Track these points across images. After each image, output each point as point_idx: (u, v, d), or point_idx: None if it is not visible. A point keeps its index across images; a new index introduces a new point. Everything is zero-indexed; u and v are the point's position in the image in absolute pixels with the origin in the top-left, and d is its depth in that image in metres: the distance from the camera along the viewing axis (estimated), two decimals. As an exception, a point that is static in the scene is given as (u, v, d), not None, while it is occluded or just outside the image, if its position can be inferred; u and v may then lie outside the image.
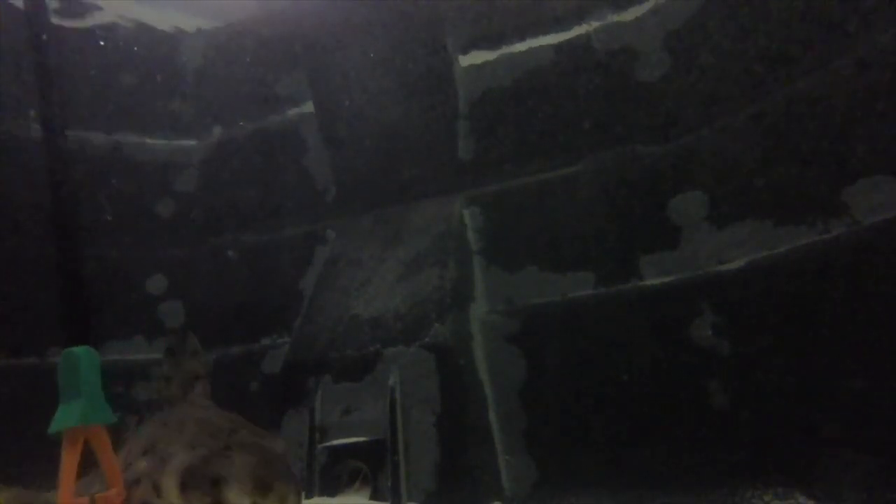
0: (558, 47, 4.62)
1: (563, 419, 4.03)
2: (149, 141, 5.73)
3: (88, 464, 2.15)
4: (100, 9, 5.65)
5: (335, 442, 3.94)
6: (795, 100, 3.61)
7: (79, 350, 1.98)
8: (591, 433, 3.94)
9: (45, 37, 5.20)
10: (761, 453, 3.43)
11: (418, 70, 4.99)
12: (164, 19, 5.96)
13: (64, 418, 1.92)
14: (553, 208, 4.46)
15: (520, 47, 4.80)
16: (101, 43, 5.57)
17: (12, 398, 4.73)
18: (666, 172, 4.15)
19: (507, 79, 4.79)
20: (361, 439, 3.87)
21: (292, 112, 5.67)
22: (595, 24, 4.52)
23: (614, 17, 4.47)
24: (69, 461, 1.88)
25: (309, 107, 5.50)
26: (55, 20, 5.39)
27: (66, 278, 2.33)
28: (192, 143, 5.88)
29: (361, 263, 4.84)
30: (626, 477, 3.77)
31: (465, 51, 4.99)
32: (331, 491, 3.86)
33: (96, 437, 1.94)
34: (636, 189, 4.23)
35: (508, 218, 4.60)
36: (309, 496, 3.82)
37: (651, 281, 4.02)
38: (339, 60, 5.20)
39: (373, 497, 3.72)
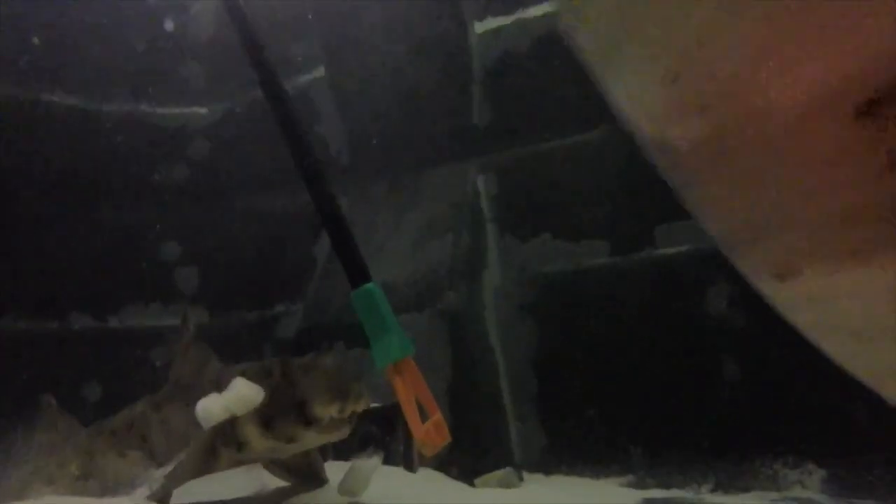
0: (576, 10, 4.50)
1: (575, 387, 4.03)
2: (160, 108, 5.71)
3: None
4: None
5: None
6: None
7: (369, 287, 2.08)
8: (602, 401, 3.94)
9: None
10: (773, 424, 3.42)
11: (433, 35, 4.89)
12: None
13: (385, 354, 2.02)
14: (568, 176, 4.40)
15: (535, 11, 4.68)
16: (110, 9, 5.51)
17: (32, 363, 4.83)
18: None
19: (522, 44, 4.68)
20: (374, 405, 3.90)
21: (305, 77, 5.60)
22: (614, -15, 4.39)
23: (634, -23, 4.33)
24: (405, 392, 1.98)
25: (321, 72, 5.43)
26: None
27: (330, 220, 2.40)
28: (203, 110, 5.84)
29: (375, 229, 4.83)
30: (636, 445, 3.78)
31: (480, 16, 4.88)
32: (344, 455, 3.92)
33: (408, 367, 2.03)
34: (653, 156, 4.14)
35: (522, 185, 4.55)
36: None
37: (666, 250, 3.97)
38: (351, 25, 5.10)
39: (385, 462, 3.78)
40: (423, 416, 2.04)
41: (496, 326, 4.26)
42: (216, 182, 5.70)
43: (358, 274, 2.22)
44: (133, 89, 5.62)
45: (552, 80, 4.58)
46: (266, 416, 1.95)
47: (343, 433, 2.08)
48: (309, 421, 1.93)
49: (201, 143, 5.80)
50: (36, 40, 5.19)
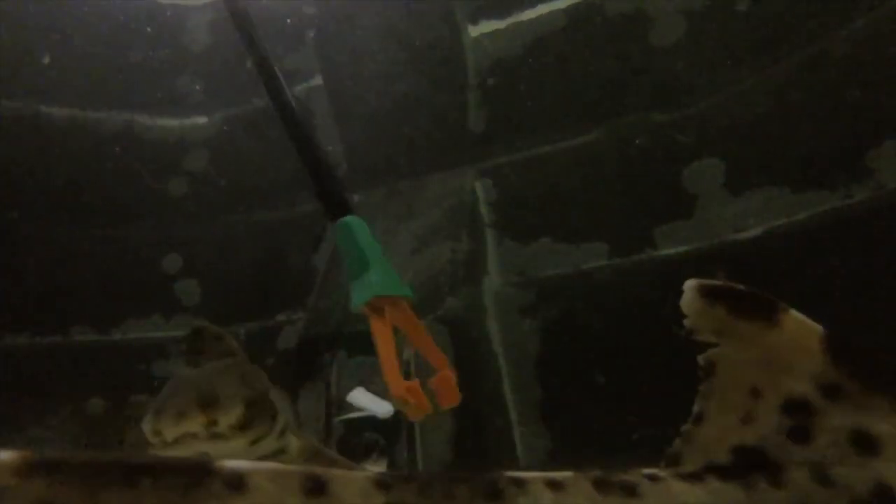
0: (569, 13, 4.51)
1: (578, 390, 4.03)
2: (158, 119, 5.73)
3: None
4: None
5: (351, 415, 3.99)
6: (815, 62, 3.49)
7: (348, 219, 1.82)
8: (605, 404, 3.94)
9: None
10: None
11: (427, 41, 4.90)
12: (169, -5, 5.89)
13: (361, 292, 1.71)
14: (566, 178, 4.40)
15: (530, 14, 4.70)
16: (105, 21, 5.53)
17: (35, 377, 4.84)
18: (681, 140, 4.06)
19: (517, 47, 4.69)
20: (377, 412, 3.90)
21: (301, 87, 5.62)
22: (607, -12, 4.40)
23: (627, -20, 4.34)
24: (382, 338, 1.66)
25: (318, 81, 5.44)
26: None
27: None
28: (201, 120, 5.86)
29: (374, 237, 4.83)
30: (640, 447, 3.77)
31: (474, 20, 4.89)
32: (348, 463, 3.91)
33: (401, 315, 1.75)
34: (650, 157, 4.15)
35: (521, 189, 4.55)
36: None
37: (666, 251, 3.97)
38: (347, 33, 5.12)
39: (389, 468, 3.77)
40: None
41: (497, 331, 4.26)
42: (216, 193, 5.71)
43: (337, 206, 2.07)
44: (131, 101, 5.64)
45: (548, 83, 4.59)
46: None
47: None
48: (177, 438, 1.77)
49: (201, 154, 5.81)
50: (34, 53, 5.21)
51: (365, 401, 1.89)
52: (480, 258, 4.43)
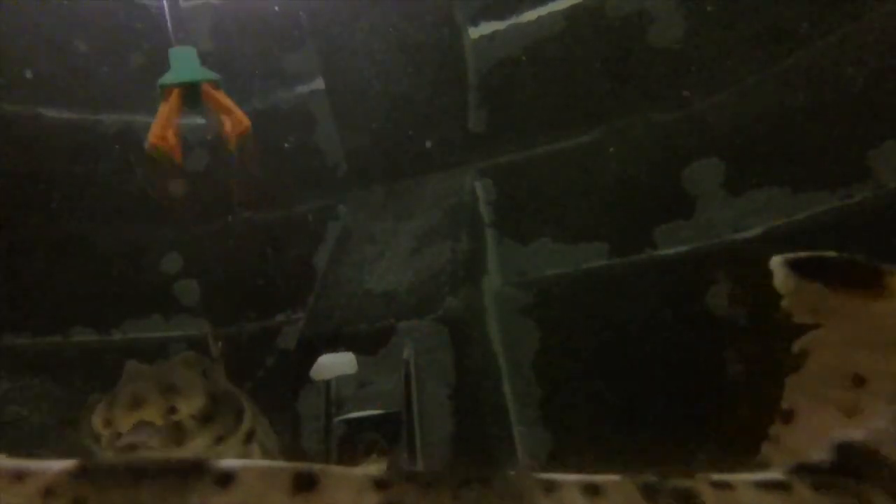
0: (569, 14, 4.52)
1: (578, 390, 4.03)
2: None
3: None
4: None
5: (351, 415, 3.98)
6: (816, 61, 3.49)
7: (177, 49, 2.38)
8: (606, 404, 3.94)
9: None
10: (775, 420, 3.40)
11: (427, 42, 4.91)
12: (170, -5, 5.89)
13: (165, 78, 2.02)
14: (566, 179, 4.41)
15: (530, 15, 4.70)
16: (107, 23, 5.54)
17: (35, 377, 4.83)
18: (681, 140, 4.07)
19: (517, 48, 4.70)
20: (377, 412, 3.90)
21: (301, 88, 5.63)
22: (607, -12, 4.41)
23: (627, -20, 4.35)
24: (164, 108, 2.10)
25: (318, 82, 5.45)
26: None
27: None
28: (200, 121, 5.86)
29: (374, 238, 4.83)
30: (641, 447, 3.77)
31: (474, 21, 4.90)
32: (348, 463, 3.91)
33: (207, 94, 2.27)
34: (650, 157, 4.15)
35: (521, 189, 4.56)
36: (327, 468, 3.88)
37: (665, 251, 3.97)
38: (346, 34, 5.12)
39: (389, 468, 3.77)
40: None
41: (498, 331, 4.26)
42: (216, 193, 5.71)
43: None
44: (130, 102, 5.64)
45: (548, 83, 4.60)
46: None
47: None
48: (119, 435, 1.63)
49: (200, 155, 5.81)
50: (33, 56, 5.21)
51: (327, 367, 1.88)
52: (480, 258, 4.44)
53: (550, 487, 0.76)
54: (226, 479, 0.65)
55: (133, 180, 5.54)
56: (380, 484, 0.72)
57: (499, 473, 0.79)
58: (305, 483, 0.67)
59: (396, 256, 4.55)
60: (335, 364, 2.34)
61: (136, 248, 5.45)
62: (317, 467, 0.71)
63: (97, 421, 1.58)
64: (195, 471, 0.65)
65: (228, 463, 0.68)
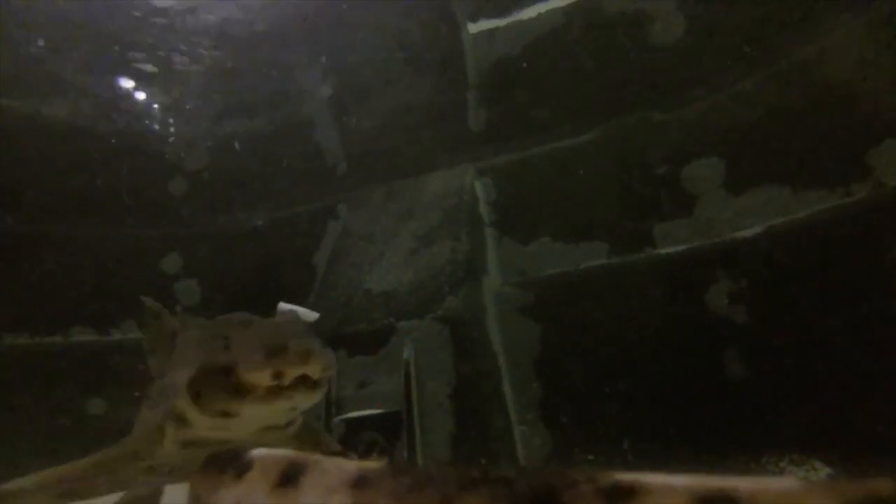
0: (568, 12, 4.51)
1: (578, 389, 4.02)
2: (158, 119, 5.73)
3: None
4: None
5: (351, 414, 3.98)
6: (816, 60, 3.49)
7: None
8: (605, 403, 3.93)
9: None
10: (777, 420, 3.40)
11: (426, 41, 4.91)
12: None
13: None
14: (565, 178, 4.40)
15: (529, 13, 4.70)
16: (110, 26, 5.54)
17: (35, 377, 4.84)
18: (680, 139, 4.06)
19: (516, 46, 4.69)
20: (377, 411, 3.90)
21: (302, 88, 5.63)
22: (607, -13, 4.41)
23: (626, -21, 4.34)
24: None
25: (318, 83, 5.45)
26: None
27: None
28: (201, 119, 5.87)
29: (374, 238, 4.83)
30: (641, 446, 3.76)
31: (473, 19, 4.90)
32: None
33: None
34: (650, 156, 4.14)
35: (520, 189, 4.55)
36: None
37: (665, 249, 3.97)
38: (346, 34, 5.12)
39: (389, 468, 3.76)
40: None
41: (497, 330, 4.25)
42: (216, 194, 5.72)
43: None
44: (131, 103, 5.65)
45: (548, 83, 4.59)
46: (195, 389, 1.58)
47: (306, 401, 1.62)
48: (240, 390, 1.52)
49: (200, 156, 5.82)
50: (35, 55, 5.22)
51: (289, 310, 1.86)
52: (480, 258, 4.43)
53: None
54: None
55: (134, 180, 5.54)
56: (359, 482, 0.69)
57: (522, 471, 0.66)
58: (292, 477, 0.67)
59: (396, 256, 4.55)
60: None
61: (136, 248, 5.46)
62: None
63: (258, 372, 1.49)
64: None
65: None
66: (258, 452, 0.69)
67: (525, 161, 4.58)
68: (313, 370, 1.54)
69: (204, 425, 1.66)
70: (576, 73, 4.49)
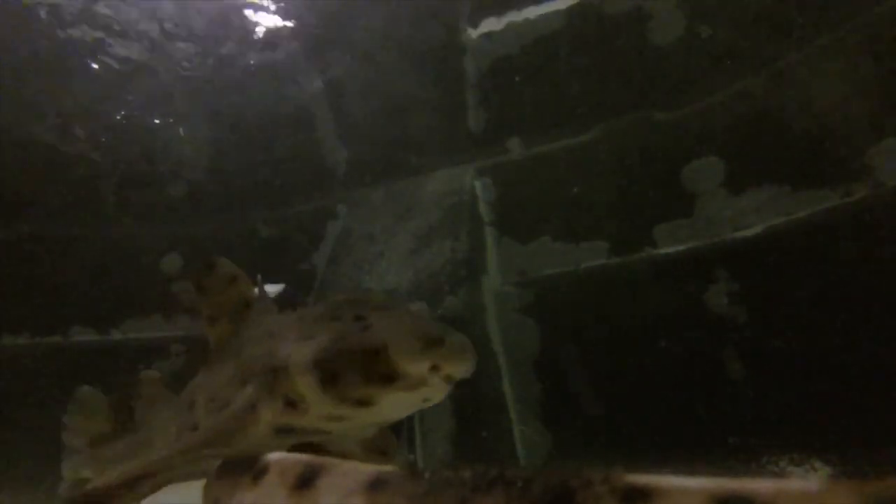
0: (568, 13, 4.52)
1: (577, 389, 4.02)
2: (158, 120, 5.72)
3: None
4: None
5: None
6: (816, 60, 3.49)
7: None
8: (605, 402, 3.93)
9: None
10: (777, 420, 3.41)
11: (427, 41, 4.91)
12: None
13: None
14: (565, 178, 4.40)
15: (529, 14, 4.70)
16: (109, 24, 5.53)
17: (35, 376, 4.83)
18: (680, 138, 4.06)
19: (516, 47, 4.69)
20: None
21: (301, 88, 5.62)
22: (607, -13, 4.41)
23: (626, -21, 4.34)
24: None
25: (318, 83, 5.45)
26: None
27: None
28: (201, 120, 5.86)
29: (373, 237, 4.83)
30: (641, 445, 3.77)
31: (473, 20, 4.89)
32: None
33: None
34: (650, 156, 4.15)
35: (520, 188, 4.55)
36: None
37: (665, 249, 3.97)
38: (346, 34, 5.12)
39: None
40: None
41: (498, 330, 4.25)
42: (216, 194, 5.71)
43: None
44: (132, 102, 5.64)
45: (547, 83, 4.59)
46: (330, 369, 1.38)
47: (436, 396, 1.48)
48: (388, 376, 1.35)
49: (200, 156, 5.81)
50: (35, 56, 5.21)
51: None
52: (480, 257, 4.43)
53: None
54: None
55: (133, 180, 5.53)
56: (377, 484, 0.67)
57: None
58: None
59: (396, 256, 4.55)
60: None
61: (136, 248, 5.45)
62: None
63: (416, 361, 1.34)
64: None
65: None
66: (274, 456, 0.69)
67: (525, 161, 4.58)
68: (463, 368, 1.43)
69: (321, 412, 1.47)
70: (576, 73, 4.49)
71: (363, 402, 1.41)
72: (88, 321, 5.19)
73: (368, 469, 0.66)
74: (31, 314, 5.03)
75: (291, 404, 1.47)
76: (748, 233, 3.66)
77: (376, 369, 1.36)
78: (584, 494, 0.52)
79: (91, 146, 5.40)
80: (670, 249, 3.95)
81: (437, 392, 1.48)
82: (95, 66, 5.48)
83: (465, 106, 4.85)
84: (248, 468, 0.65)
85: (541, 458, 4.00)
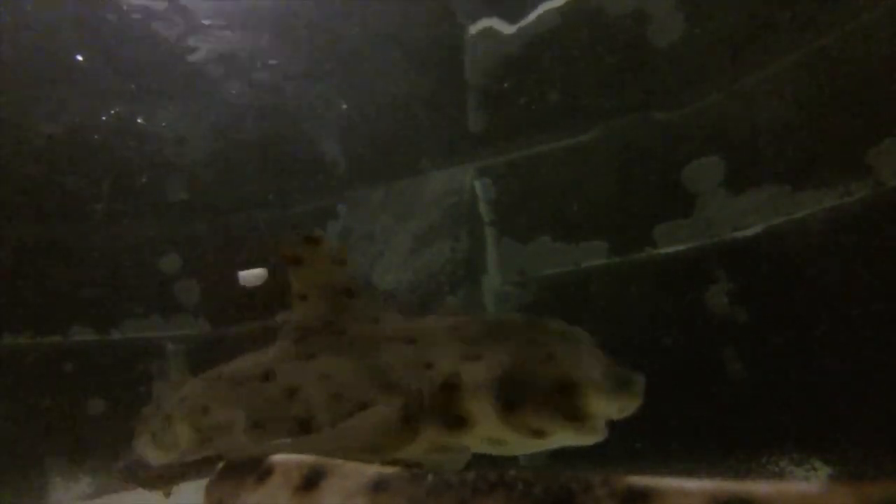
0: (568, 13, 4.51)
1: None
2: (157, 119, 5.72)
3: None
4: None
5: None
6: (816, 59, 3.49)
7: None
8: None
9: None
10: (777, 420, 3.41)
11: (427, 41, 4.91)
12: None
13: None
14: (565, 177, 4.40)
15: (529, 14, 4.70)
16: (107, 21, 5.53)
17: (35, 376, 4.83)
18: (680, 138, 4.06)
19: (516, 46, 4.69)
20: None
21: (301, 87, 5.62)
22: (606, -13, 4.41)
23: (626, -21, 4.34)
24: None
25: (317, 80, 5.44)
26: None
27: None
28: (201, 120, 5.85)
29: (373, 237, 4.83)
30: (641, 446, 3.77)
31: (473, 19, 4.89)
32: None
33: None
34: (650, 156, 4.15)
35: (520, 188, 4.55)
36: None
37: (665, 249, 3.97)
38: (346, 33, 5.12)
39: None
40: None
41: (497, 330, 4.25)
42: (216, 194, 5.71)
43: None
44: (131, 104, 5.63)
45: (547, 83, 4.59)
46: (514, 396, 1.31)
47: (591, 440, 1.46)
48: (575, 413, 1.30)
49: (200, 156, 5.81)
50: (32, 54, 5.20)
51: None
52: (480, 257, 4.43)
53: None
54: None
55: (133, 179, 5.53)
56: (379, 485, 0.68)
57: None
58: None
59: (396, 255, 4.55)
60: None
61: (136, 248, 5.45)
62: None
63: (608, 400, 1.33)
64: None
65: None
66: (278, 457, 0.70)
67: (524, 160, 4.58)
68: (633, 410, 1.40)
69: (484, 434, 1.38)
70: (576, 73, 4.49)
71: (537, 434, 1.35)
72: (88, 321, 5.19)
73: (371, 471, 0.67)
74: (31, 314, 5.03)
75: (456, 424, 1.38)
76: (748, 233, 3.66)
77: (566, 405, 1.31)
78: (584, 497, 0.52)
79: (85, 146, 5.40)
80: (670, 249, 3.95)
81: (597, 435, 1.44)
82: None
83: (465, 106, 4.85)
84: (252, 469, 0.66)
85: (541, 460, 4.01)
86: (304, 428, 1.52)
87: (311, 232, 1.76)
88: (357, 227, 5.04)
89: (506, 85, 4.72)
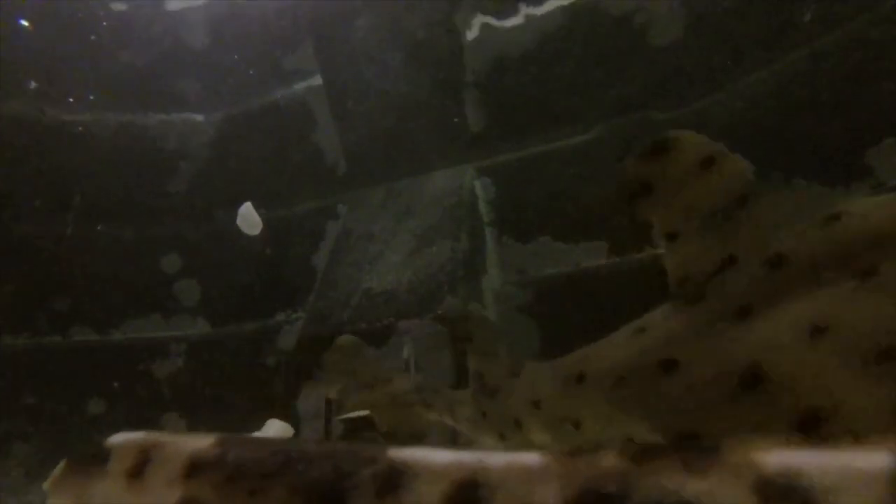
0: (568, 12, 4.51)
1: (578, 389, 4.02)
2: (157, 119, 5.73)
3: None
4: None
5: (351, 415, 3.98)
6: (815, 59, 3.49)
7: None
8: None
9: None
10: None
11: (426, 40, 4.90)
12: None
13: None
14: (565, 177, 4.40)
15: (529, 14, 4.70)
16: (104, 23, 5.54)
17: (35, 377, 4.83)
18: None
19: (516, 46, 4.69)
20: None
21: (300, 87, 5.62)
22: (607, -14, 4.41)
23: (626, -22, 4.34)
24: None
25: (317, 80, 5.44)
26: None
27: None
28: (200, 119, 5.86)
29: (373, 237, 4.83)
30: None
31: (473, 19, 4.89)
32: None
33: None
34: (650, 156, 4.14)
35: (520, 188, 4.55)
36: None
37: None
38: (345, 32, 5.12)
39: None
40: None
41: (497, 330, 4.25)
42: (215, 194, 5.71)
43: None
44: (130, 101, 5.64)
45: (547, 82, 4.59)
46: None
47: None
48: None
49: (200, 155, 5.81)
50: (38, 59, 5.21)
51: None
52: (480, 257, 4.43)
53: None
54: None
55: (133, 179, 5.54)
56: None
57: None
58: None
59: (396, 255, 4.55)
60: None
61: (136, 248, 5.45)
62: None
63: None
64: None
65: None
66: (116, 438, 0.61)
67: (525, 160, 4.58)
68: None
69: None
70: (576, 72, 4.49)
71: None
72: (88, 321, 5.20)
73: (187, 450, 0.58)
74: (31, 314, 5.03)
75: None
76: (748, 232, 3.65)
77: None
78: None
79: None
80: (670, 249, 3.94)
81: None
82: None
83: (465, 105, 4.85)
84: (95, 456, 0.58)
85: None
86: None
87: (659, 137, 1.19)
88: (357, 228, 5.04)
89: (506, 85, 4.72)
